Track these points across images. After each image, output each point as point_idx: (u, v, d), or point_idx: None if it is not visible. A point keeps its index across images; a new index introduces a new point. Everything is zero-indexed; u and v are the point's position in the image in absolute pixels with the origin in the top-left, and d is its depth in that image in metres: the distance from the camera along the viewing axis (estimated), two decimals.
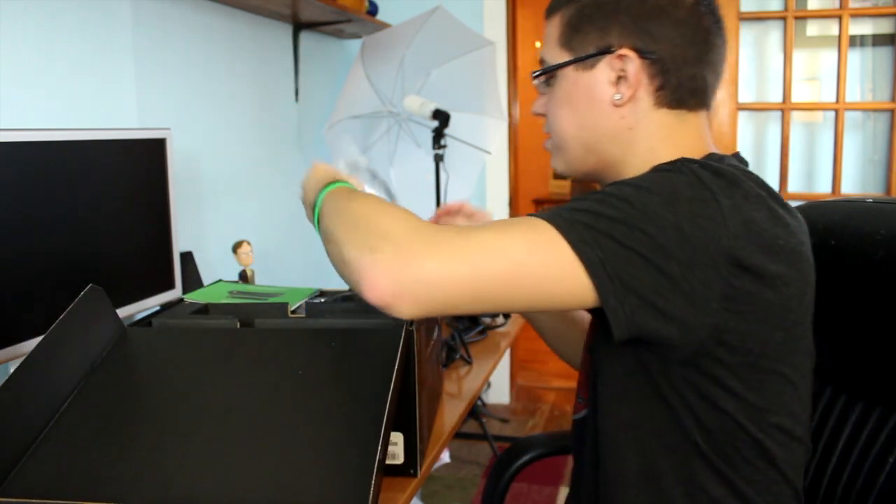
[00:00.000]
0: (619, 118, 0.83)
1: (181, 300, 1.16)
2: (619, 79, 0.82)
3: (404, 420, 0.93)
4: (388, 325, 0.94)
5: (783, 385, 0.74)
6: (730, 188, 0.70)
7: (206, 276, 1.81)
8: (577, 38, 0.83)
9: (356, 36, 2.72)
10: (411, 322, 0.93)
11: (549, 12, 0.87)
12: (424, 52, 2.45)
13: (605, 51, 0.81)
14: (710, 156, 0.81)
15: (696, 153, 0.80)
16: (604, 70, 0.82)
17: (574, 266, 0.67)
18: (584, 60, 0.83)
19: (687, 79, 0.81)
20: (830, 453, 0.97)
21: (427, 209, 2.65)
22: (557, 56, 0.85)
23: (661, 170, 0.75)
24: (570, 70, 0.84)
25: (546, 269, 0.68)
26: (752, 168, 0.81)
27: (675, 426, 0.74)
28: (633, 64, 0.81)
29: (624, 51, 0.81)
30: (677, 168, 0.73)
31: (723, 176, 0.71)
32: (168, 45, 1.85)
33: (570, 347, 1.14)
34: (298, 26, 2.45)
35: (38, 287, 1.11)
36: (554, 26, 0.85)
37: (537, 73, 0.87)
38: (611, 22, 0.81)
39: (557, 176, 5.56)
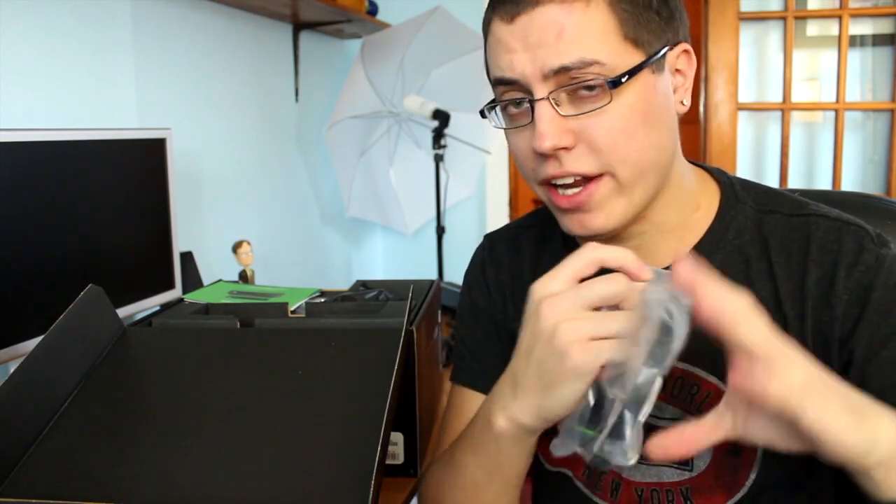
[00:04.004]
0: (676, 133, 0.69)
1: (181, 300, 1.16)
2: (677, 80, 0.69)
3: (404, 420, 0.94)
4: (388, 325, 0.94)
5: None
6: None
7: (206, 276, 1.81)
8: (641, 27, 0.64)
9: (356, 36, 2.71)
10: (411, 322, 0.93)
11: None
12: (424, 52, 2.45)
13: (673, 44, 0.67)
14: (719, 172, 0.76)
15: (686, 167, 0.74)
16: (668, 70, 0.68)
17: None
18: (658, 58, 0.66)
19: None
20: None
21: (427, 209, 2.65)
22: (623, 53, 0.64)
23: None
24: (646, 72, 0.65)
25: None
26: (752, 168, 0.78)
27: None
28: (692, 61, 0.69)
29: (685, 45, 0.68)
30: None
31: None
32: (168, 45, 1.85)
33: None
34: (298, 26, 2.45)
35: (38, 287, 1.11)
36: (599, 12, 0.63)
37: (623, 76, 0.63)
38: (669, 6, 0.67)
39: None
